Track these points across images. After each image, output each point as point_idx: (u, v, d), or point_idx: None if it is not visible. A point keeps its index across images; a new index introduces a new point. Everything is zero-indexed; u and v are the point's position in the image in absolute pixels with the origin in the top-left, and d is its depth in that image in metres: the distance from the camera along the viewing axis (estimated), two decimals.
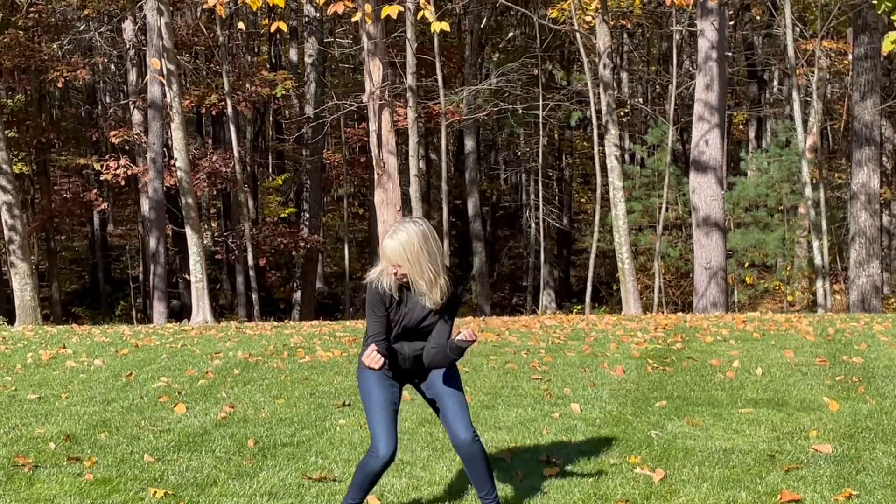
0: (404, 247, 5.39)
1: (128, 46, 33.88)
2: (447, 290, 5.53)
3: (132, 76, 34.58)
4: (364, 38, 22.47)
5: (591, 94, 24.64)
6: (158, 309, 29.42)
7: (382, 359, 5.42)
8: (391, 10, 15.63)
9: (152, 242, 30.42)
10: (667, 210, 27.60)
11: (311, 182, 34.76)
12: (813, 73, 28.73)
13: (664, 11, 32.88)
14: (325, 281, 41.90)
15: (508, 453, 7.25)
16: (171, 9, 24.80)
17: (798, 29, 29.38)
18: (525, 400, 9.16)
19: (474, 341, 5.50)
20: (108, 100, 42.86)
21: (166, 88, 23.84)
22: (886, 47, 12.62)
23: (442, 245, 5.66)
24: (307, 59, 34.19)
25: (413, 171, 23.65)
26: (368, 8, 17.12)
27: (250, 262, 30.29)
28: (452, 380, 5.77)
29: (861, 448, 7.28)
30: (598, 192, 25.01)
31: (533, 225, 38.15)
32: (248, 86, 32.82)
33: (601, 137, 24.05)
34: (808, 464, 6.89)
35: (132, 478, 6.71)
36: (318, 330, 15.50)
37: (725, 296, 22.30)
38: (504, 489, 6.42)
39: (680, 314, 19.34)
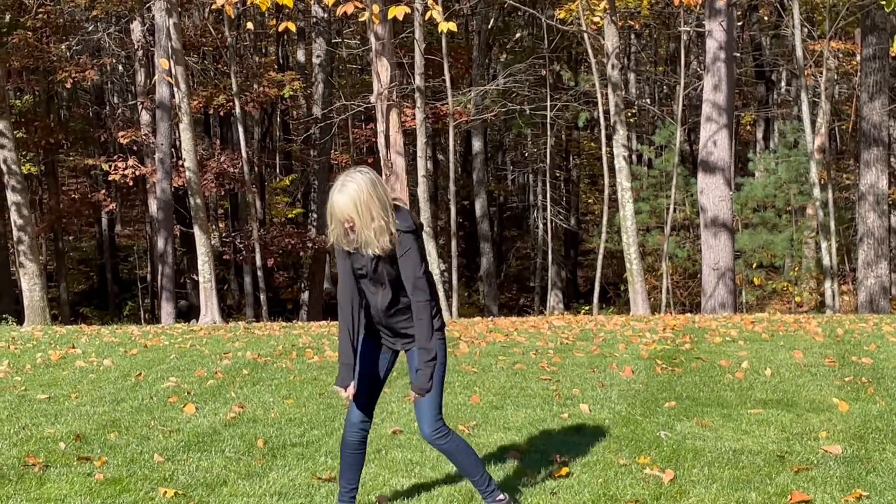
0: (354, 199, 5.36)
1: (136, 47, 33.93)
2: (388, 244, 5.47)
3: (140, 77, 34.63)
4: (372, 39, 22.49)
5: (598, 95, 24.63)
6: (166, 309, 29.45)
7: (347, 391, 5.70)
8: (398, 11, 15.61)
9: (160, 243, 30.45)
10: (675, 211, 27.58)
11: (318, 183, 34.76)
12: (821, 73, 28.69)
13: (672, 12, 32.87)
14: (332, 281, 41.86)
15: (518, 454, 7.25)
16: (179, 9, 24.84)
17: (806, 30, 29.33)
18: (534, 400, 9.16)
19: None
20: (116, 100, 42.93)
21: (174, 89, 23.87)
22: (895, 48, 12.59)
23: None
24: (315, 60, 34.20)
25: (421, 171, 23.66)
26: (376, 8, 17.14)
27: (258, 262, 30.31)
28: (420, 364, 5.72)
29: (871, 449, 7.27)
30: (606, 192, 25.00)
31: (540, 225, 38.14)
32: (255, 86, 32.84)
33: (609, 138, 24.04)
34: (817, 465, 6.88)
35: (142, 478, 6.72)
36: (327, 330, 15.51)
37: (734, 296, 22.28)
38: (514, 490, 6.42)
39: (688, 315, 19.33)
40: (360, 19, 21.65)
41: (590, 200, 45.73)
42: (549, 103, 30.58)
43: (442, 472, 6.84)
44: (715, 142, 21.76)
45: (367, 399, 5.83)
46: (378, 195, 5.41)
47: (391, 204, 5.49)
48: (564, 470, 6.79)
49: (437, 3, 16.68)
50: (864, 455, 7.11)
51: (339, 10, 16.24)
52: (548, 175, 33.83)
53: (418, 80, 23.70)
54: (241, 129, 31.08)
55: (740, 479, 6.59)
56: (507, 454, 7.24)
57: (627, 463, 6.97)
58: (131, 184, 33.08)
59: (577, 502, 6.18)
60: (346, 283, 5.68)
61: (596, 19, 24.46)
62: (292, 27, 16.73)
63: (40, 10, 31.97)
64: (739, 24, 32.03)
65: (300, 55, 38.11)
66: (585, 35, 24.48)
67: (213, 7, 21.93)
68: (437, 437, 5.68)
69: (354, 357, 5.69)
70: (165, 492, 6.36)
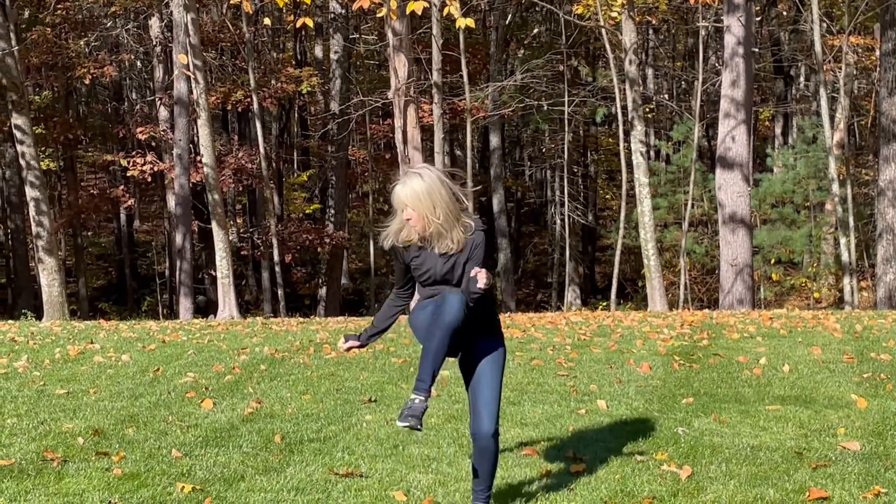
0: (416, 192, 5.34)
1: (154, 43, 34.02)
2: (462, 237, 5.44)
3: (158, 73, 34.73)
4: (389, 35, 22.49)
5: (616, 91, 24.59)
6: (185, 305, 29.53)
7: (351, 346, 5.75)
8: (416, 6, 15.63)
9: (178, 238, 30.53)
10: (692, 206, 27.53)
11: (336, 178, 34.82)
12: (840, 69, 28.58)
13: (690, 7, 32.77)
14: (350, 277, 41.97)
15: (535, 450, 7.24)
16: (197, 5, 24.88)
17: (825, 25, 29.22)
18: (551, 396, 9.15)
19: (480, 291, 5.35)
20: (134, 96, 43.05)
21: (192, 85, 23.92)
22: None
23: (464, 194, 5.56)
24: (332, 56, 34.25)
25: (438, 167, 23.64)
26: (394, 4, 17.14)
27: (276, 258, 30.37)
28: (495, 367, 5.65)
29: (889, 445, 7.24)
30: (624, 188, 24.96)
31: (558, 221, 38.11)
32: (273, 82, 32.90)
33: (627, 134, 24.00)
34: (836, 461, 6.86)
35: (160, 472, 6.74)
36: (344, 326, 15.53)
37: (751, 293, 22.22)
38: (530, 485, 6.42)
39: (706, 311, 19.29)
40: (378, 15, 21.67)
41: (607, 196, 45.68)
42: (566, 99, 30.53)
43: (459, 467, 6.84)
44: (733, 137, 21.70)
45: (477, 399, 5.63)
46: (442, 188, 5.36)
47: (459, 207, 5.44)
48: (581, 466, 6.79)
49: None
50: (883, 452, 7.08)
51: (356, 6, 16.27)
52: (565, 171, 33.80)
53: (436, 76, 23.70)
54: (258, 125, 31.14)
55: (758, 475, 6.57)
56: (525, 450, 7.24)
57: (645, 459, 6.96)
58: (149, 180, 33.21)
59: (593, 498, 6.17)
60: (400, 279, 5.73)
61: (614, 14, 24.41)
62: (310, 23, 16.76)
63: (59, 6, 32.08)
64: (758, 19, 31.91)
65: (318, 51, 38.15)
66: (603, 30, 24.43)
67: (232, 3, 21.99)
68: (494, 435, 5.56)
69: (373, 336, 5.75)
70: (183, 487, 6.37)
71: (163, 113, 33.93)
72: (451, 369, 9.48)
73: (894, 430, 7.69)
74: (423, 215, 5.36)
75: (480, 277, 5.29)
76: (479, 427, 5.56)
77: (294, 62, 39.25)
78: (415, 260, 5.56)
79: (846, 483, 6.35)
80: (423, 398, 5.38)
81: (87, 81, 32.47)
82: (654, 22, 35.07)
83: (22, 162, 24.37)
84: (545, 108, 32.29)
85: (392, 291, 5.85)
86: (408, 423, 5.31)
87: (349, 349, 5.85)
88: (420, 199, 5.33)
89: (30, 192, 24.45)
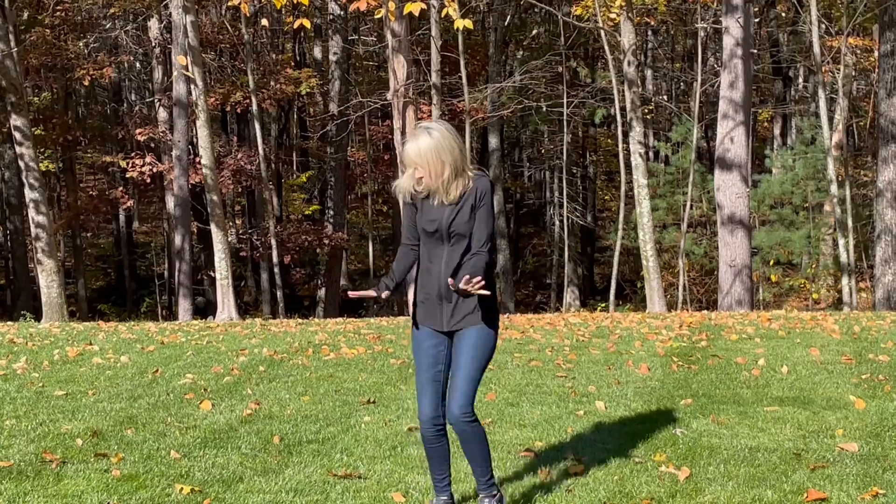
0: (425, 149, 5.42)
1: (153, 44, 34.04)
2: (466, 186, 5.51)
3: (157, 74, 34.74)
4: (388, 36, 22.49)
5: (615, 92, 24.60)
6: (184, 306, 29.54)
7: (371, 292, 5.72)
8: (413, 8, 15.64)
9: (177, 240, 30.54)
10: (691, 207, 27.54)
11: (335, 179, 34.83)
12: (838, 70, 28.58)
13: (689, 8, 32.81)
14: (349, 278, 41.95)
15: (533, 451, 7.25)
16: (196, 7, 24.89)
17: (824, 26, 29.24)
18: (550, 398, 9.15)
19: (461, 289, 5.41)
20: (133, 98, 43.08)
21: (191, 86, 23.93)
22: None
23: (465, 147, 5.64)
24: (331, 57, 34.26)
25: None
26: (392, 5, 17.16)
27: (275, 259, 30.38)
28: (473, 353, 5.62)
29: (888, 447, 7.25)
30: (623, 189, 24.97)
31: (557, 222, 38.12)
32: (272, 83, 32.90)
33: (625, 135, 24.02)
34: (834, 462, 6.86)
35: (159, 474, 6.74)
36: (343, 327, 15.54)
37: (750, 294, 22.23)
38: (529, 487, 6.43)
39: (705, 312, 19.30)
40: (376, 16, 21.67)
41: (606, 197, 45.70)
42: (565, 100, 30.54)
43: (457, 469, 6.84)
44: (732, 138, 21.71)
45: (432, 392, 5.71)
46: (451, 141, 5.45)
47: (465, 160, 5.53)
48: (580, 467, 6.79)
49: (453, 0, 16.69)
50: (881, 453, 7.08)
51: (352, 7, 16.29)
52: (564, 172, 33.80)
53: (434, 77, 23.71)
54: (257, 126, 31.14)
55: (756, 476, 6.58)
56: (523, 451, 7.24)
57: (643, 460, 6.96)
58: (149, 181, 33.21)
59: (592, 500, 6.17)
60: (409, 234, 5.75)
61: (612, 16, 24.43)
62: (308, 24, 16.76)
63: (58, 7, 32.09)
64: (756, 20, 31.92)
65: (317, 52, 38.17)
66: (602, 32, 24.44)
67: (230, 4, 21.98)
68: (463, 418, 5.56)
69: (391, 285, 5.70)
70: (182, 488, 6.38)
71: (162, 114, 33.93)
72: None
73: (892, 431, 7.70)
74: (432, 171, 5.45)
75: (468, 289, 5.39)
76: (449, 412, 5.61)
77: (293, 63, 39.27)
78: (425, 205, 5.62)
79: (844, 484, 6.35)
80: (445, 498, 5.85)
81: (86, 83, 32.48)
82: (652, 23, 35.10)
83: (21, 163, 24.37)
84: (544, 109, 32.31)
85: (401, 245, 5.85)
86: None
87: (373, 296, 5.79)
88: (429, 157, 5.42)
89: (29, 194, 24.45)
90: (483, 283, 5.41)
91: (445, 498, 5.83)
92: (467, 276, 5.37)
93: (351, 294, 5.97)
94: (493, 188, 5.68)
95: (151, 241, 44.14)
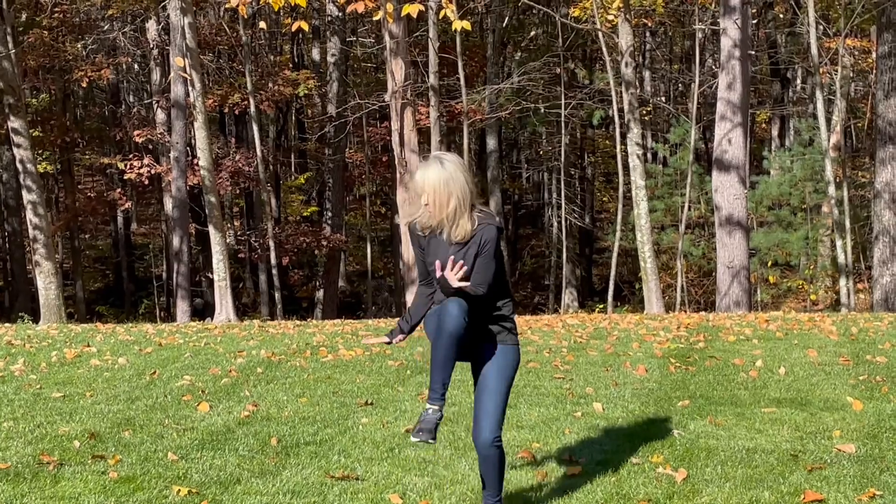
0: (434, 179, 5.38)
1: (151, 46, 34.03)
2: (471, 228, 5.44)
3: (156, 76, 34.74)
4: (386, 38, 22.51)
5: (613, 93, 24.61)
6: (182, 307, 29.53)
7: (387, 339, 5.74)
8: (411, 9, 15.65)
9: (176, 241, 30.53)
10: (689, 209, 27.55)
11: (333, 181, 34.83)
12: (836, 71, 28.59)
13: (687, 10, 32.82)
14: (347, 280, 41.97)
15: (531, 453, 7.25)
16: (194, 8, 24.89)
17: (821, 27, 29.25)
18: (547, 399, 9.16)
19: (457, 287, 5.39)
20: (131, 99, 43.08)
21: (189, 88, 23.93)
22: None
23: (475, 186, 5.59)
24: (330, 59, 34.27)
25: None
26: (390, 7, 17.17)
27: (273, 260, 30.37)
28: (500, 376, 5.59)
29: (885, 448, 7.25)
30: (621, 190, 24.98)
31: (555, 223, 38.13)
32: (270, 85, 32.90)
33: (623, 136, 24.02)
34: (831, 464, 6.87)
35: (156, 476, 6.74)
36: (341, 328, 15.53)
37: (748, 295, 22.23)
38: (526, 488, 6.43)
39: (703, 313, 19.30)
40: (374, 18, 21.70)
41: (605, 199, 45.71)
42: (563, 101, 30.55)
43: (455, 471, 6.85)
44: (730, 140, 21.71)
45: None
46: (462, 175, 5.40)
47: (474, 198, 5.47)
48: (577, 468, 6.79)
49: (451, 2, 16.70)
50: (878, 454, 7.09)
51: (350, 8, 16.30)
52: (562, 173, 33.82)
53: (433, 79, 23.71)
54: (255, 128, 31.15)
55: (753, 478, 6.58)
56: (521, 452, 7.24)
57: (640, 462, 6.97)
58: (147, 182, 33.20)
59: (589, 501, 6.18)
60: (421, 272, 5.73)
61: (610, 17, 24.45)
62: (305, 26, 16.77)
63: (56, 9, 32.10)
64: (754, 21, 31.96)
65: (315, 54, 38.16)
66: (600, 33, 24.45)
67: (228, 6, 22.00)
68: (495, 443, 5.53)
69: (406, 328, 5.74)
70: (179, 490, 6.38)
71: (160, 116, 33.93)
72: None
73: (889, 432, 7.70)
74: (437, 201, 5.40)
75: (448, 276, 5.37)
76: (478, 436, 5.55)
77: (291, 65, 39.27)
78: (428, 246, 5.59)
79: (841, 485, 6.36)
80: (436, 408, 5.43)
81: (84, 84, 32.48)
82: (650, 25, 35.11)
83: (19, 165, 24.36)
84: (542, 110, 32.32)
85: (417, 285, 5.84)
86: (420, 438, 5.38)
87: (387, 342, 5.83)
88: (437, 185, 5.38)
89: (26, 196, 24.44)
90: (465, 270, 5.39)
91: (441, 404, 5.51)
92: (454, 260, 5.39)
93: (365, 341, 6.00)
94: (501, 233, 5.54)
95: (150, 242, 44.13)
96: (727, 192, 21.75)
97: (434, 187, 5.38)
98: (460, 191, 5.39)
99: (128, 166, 32.12)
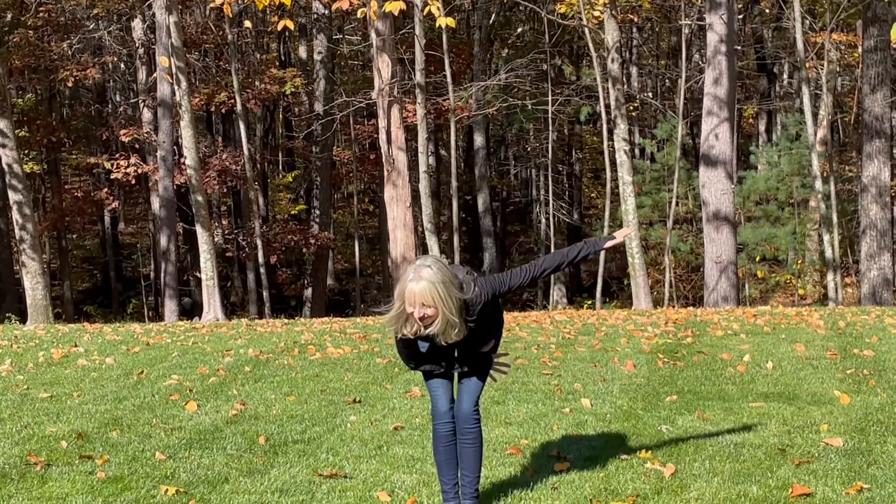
0: (435, 287, 5.32)
1: (137, 45, 33.92)
2: (465, 328, 5.51)
3: (142, 75, 34.63)
4: (373, 35, 22.50)
5: (600, 89, 24.63)
6: (170, 307, 29.46)
7: None
8: (393, 7, 15.63)
9: (163, 240, 30.46)
10: (677, 204, 27.58)
11: (321, 179, 34.78)
12: (823, 66, 28.66)
13: (673, 6, 32.84)
14: (335, 278, 41.91)
15: (519, 448, 7.25)
16: (179, 7, 24.83)
17: (807, 22, 29.30)
18: (535, 395, 9.16)
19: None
20: (118, 98, 42.93)
21: (175, 87, 23.87)
22: (895, 36, 12.55)
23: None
24: (316, 57, 34.20)
25: (422, 167, 23.66)
26: (374, 5, 17.13)
27: (261, 259, 30.31)
28: (481, 376, 5.91)
29: (872, 441, 7.27)
30: (608, 186, 25.01)
31: (543, 220, 38.14)
32: (257, 83, 32.84)
33: (611, 132, 24.04)
34: (819, 457, 6.88)
35: (144, 475, 6.73)
36: (329, 327, 15.52)
37: (736, 290, 22.27)
38: (515, 485, 6.43)
39: (691, 308, 19.33)
40: (359, 16, 21.67)
41: (592, 195, 45.73)
42: (550, 98, 30.56)
43: (426, 472, 6.83)
44: (716, 135, 21.74)
45: (444, 389, 5.91)
46: (451, 289, 5.39)
47: (460, 301, 5.47)
48: (565, 464, 6.79)
49: None
50: (866, 447, 7.10)
51: (335, 6, 16.28)
52: (550, 170, 33.82)
53: (419, 76, 23.70)
54: (242, 126, 31.09)
55: (741, 472, 6.59)
56: (509, 449, 7.24)
57: (629, 457, 6.97)
58: (134, 182, 33.11)
59: (578, 497, 6.18)
60: (412, 366, 5.91)
61: (596, 13, 24.45)
62: (291, 25, 16.73)
63: (41, 8, 31.96)
64: (740, 16, 32.00)
65: (302, 52, 38.09)
66: (586, 29, 24.46)
67: (213, 5, 21.95)
68: (473, 416, 5.81)
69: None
70: (167, 489, 6.37)
71: (146, 115, 33.83)
72: None
73: (877, 426, 7.72)
74: (442, 311, 5.37)
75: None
76: (460, 406, 5.82)
77: (278, 63, 39.19)
78: (423, 345, 5.70)
79: (829, 479, 6.37)
80: None
81: (69, 84, 32.36)
82: (637, 20, 35.12)
83: (4, 166, 24.27)
84: (529, 107, 32.30)
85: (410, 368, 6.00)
86: None
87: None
88: (439, 295, 5.32)
89: (12, 196, 24.36)
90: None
91: (457, 501, 5.89)
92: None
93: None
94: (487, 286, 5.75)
95: (137, 242, 44.00)
96: (714, 188, 21.77)
97: (437, 298, 5.33)
98: (455, 295, 5.38)
99: (114, 166, 32.02)
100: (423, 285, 5.31)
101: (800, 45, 23.70)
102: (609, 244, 5.99)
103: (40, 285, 23.90)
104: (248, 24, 21.44)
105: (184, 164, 26.49)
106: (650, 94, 42.75)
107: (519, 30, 39.30)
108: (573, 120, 38.34)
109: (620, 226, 25.34)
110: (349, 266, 42.46)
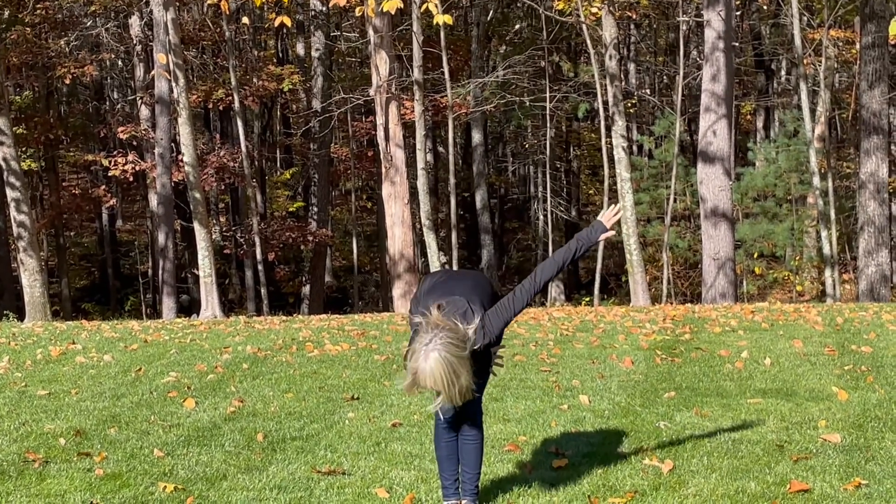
0: (443, 376, 5.25)
1: (135, 42, 33.90)
2: (472, 390, 5.44)
3: (139, 72, 34.61)
4: (370, 32, 22.49)
5: (597, 86, 24.61)
6: (167, 304, 29.47)
7: None
8: (389, 6, 15.61)
9: (161, 238, 30.46)
10: (675, 201, 27.57)
11: (318, 176, 34.77)
12: (820, 62, 28.66)
13: (671, 2, 32.82)
14: (333, 275, 41.92)
15: (517, 445, 7.25)
16: (177, 4, 24.81)
17: (805, 18, 29.28)
18: (534, 392, 9.16)
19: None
20: (115, 96, 42.92)
21: (173, 84, 23.86)
22: (893, 30, 12.54)
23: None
24: (314, 54, 34.18)
25: (420, 164, 23.65)
26: (372, 2, 17.13)
27: (259, 256, 30.30)
28: (482, 366, 5.78)
29: (870, 437, 7.27)
30: (606, 183, 25.00)
31: (541, 217, 38.14)
32: (255, 80, 32.82)
33: (608, 129, 24.03)
34: (817, 453, 6.89)
35: (142, 472, 6.73)
36: (327, 324, 15.52)
37: (734, 286, 22.27)
38: (513, 481, 6.43)
39: (689, 305, 19.33)
40: (356, 13, 21.69)
41: (590, 191, 45.73)
42: (548, 94, 30.55)
43: (427, 469, 6.83)
44: (714, 132, 21.74)
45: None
46: (461, 358, 5.29)
47: (469, 353, 5.38)
48: (563, 461, 6.80)
49: None
50: (863, 444, 7.11)
51: (332, 3, 16.30)
52: (548, 166, 33.81)
53: (417, 73, 23.68)
54: (240, 124, 31.07)
55: (739, 468, 6.59)
56: (507, 445, 7.25)
57: (627, 453, 6.98)
58: (131, 179, 33.08)
59: (576, 493, 6.18)
60: None
61: (594, 10, 24.43)
62: (288, 22, 16.73)
63: (39, 5, 31.93)
64: (738, 13, 31.97)
65: (299, 49, 38.08)
66: (584, 26, 24.45)
67: (210, 2, 21.94)
68: (476, 413, 5.88)
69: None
70: (165, 486, 6.37)
71: (144, 112, 33.81)
72: None
73: (874, 422, 7.73)
74: (451, 392, 5.30)
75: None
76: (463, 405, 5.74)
77: (275, 60, 39.15)
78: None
79: (827, 475, 6.37)
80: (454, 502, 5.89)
81: (67, 81, 32.34)
82: (634, 17, 35.10)
83: (2, 163, 24.28)
84: (527, 103, 32.30)
85: None
86: None
87: None
88: (447, 381, 5.26)
89: (10, 193, 24.37)
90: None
91: (455, 501, 5.89)
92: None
93: None
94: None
95: (135, 239, 44.00)
96: (712, 184, 21.77)
97: (433, 385, 5.27)
98: (466, 368, 5.31)
99: (112, 163, 32.00)
100: (429, 372, 5.24)
101: (797, 41, 23.69)
102: (603, 236, 5.85)
103: (38, 283, 23.90)
104: (245, 20, 21.40)
105: (181, 161, 26.48)
106: (648, 91, 42.74)
107: (517, 26, 39.30)
108: (571, 117, 38.36)
109: (618, 222, 25.34)
110: (347, 263, 42.48)
